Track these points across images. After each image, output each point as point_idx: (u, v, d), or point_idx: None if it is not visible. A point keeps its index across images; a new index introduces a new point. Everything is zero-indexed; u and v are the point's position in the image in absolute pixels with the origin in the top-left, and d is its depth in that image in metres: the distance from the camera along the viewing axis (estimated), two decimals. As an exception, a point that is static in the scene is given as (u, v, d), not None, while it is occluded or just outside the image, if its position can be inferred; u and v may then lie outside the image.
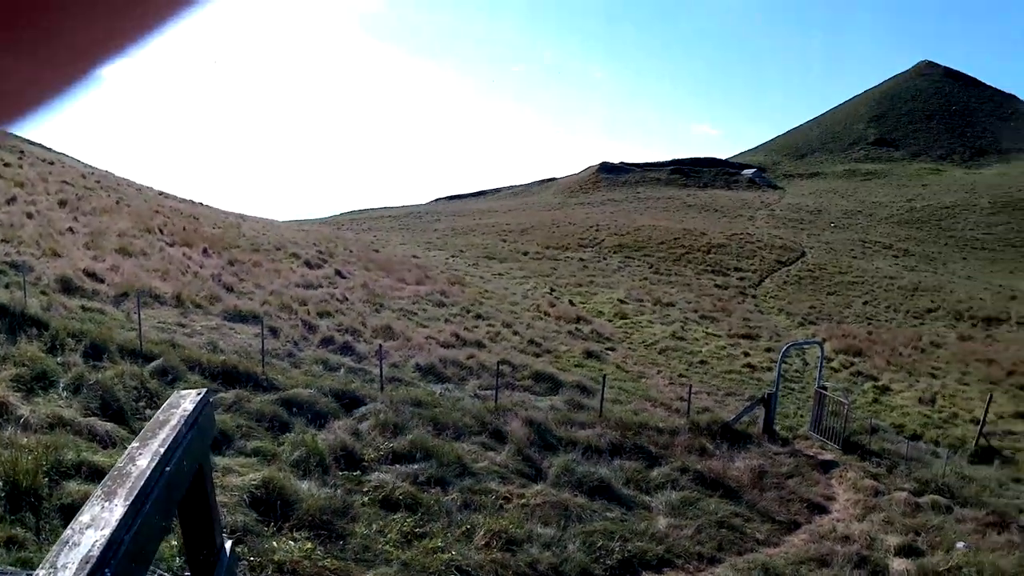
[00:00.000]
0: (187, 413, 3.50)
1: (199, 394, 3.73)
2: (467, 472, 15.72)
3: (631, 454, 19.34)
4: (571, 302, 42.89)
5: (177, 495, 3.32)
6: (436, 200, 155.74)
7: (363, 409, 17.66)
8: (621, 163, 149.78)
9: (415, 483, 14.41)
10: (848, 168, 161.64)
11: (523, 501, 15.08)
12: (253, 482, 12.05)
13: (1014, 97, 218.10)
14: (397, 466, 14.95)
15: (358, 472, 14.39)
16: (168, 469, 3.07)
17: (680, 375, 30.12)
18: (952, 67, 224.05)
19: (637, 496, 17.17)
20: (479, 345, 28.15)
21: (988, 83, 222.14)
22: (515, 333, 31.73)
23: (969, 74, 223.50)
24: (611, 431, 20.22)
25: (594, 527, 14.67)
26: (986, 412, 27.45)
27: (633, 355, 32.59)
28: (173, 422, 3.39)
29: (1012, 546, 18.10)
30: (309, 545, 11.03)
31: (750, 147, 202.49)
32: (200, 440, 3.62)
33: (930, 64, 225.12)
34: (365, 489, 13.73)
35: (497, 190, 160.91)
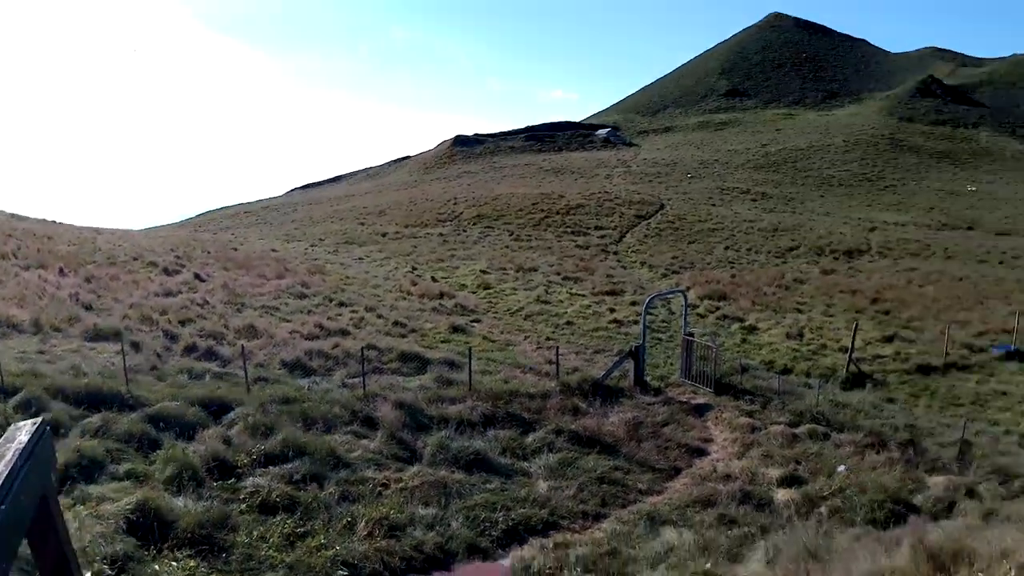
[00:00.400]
0: (22, 446, 3.46)
1: (35, 424, 3.69)
2: (342, 464, 15.77)
3: (505, 423, 19.61)
4: (433, 278, 42.80)
5: (18, 533, 3.30)
6: (292, 190, 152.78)
7: (232, 414, 17.54)
8: (475, 135, 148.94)
9: (291, 483, 14.40)
10: (702, 120, 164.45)
11: (401, 485, 15.19)
12: (128, 507, 11.88)
13: (864, 42, 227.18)
14: (271, 468, 14.90)
15: (233, 480, 14.31)
16: (3, 508, 3.06)
17: (547, 338, 30.36)
18: (802, 17, 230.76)
19: (515, 464, 17.44)
20: (343, 333, 27.96)
21: (838, 30, 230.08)
22: (379, 316, 31.56)
23: (819, 23, 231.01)
24: (482, 403, 20.42)
25: (475, 501, 14.89)
26: (853, 339, 28.46)
27: (499, 324, 32.75)
28: (8, 457, 3.34)
29: (892, 463, 18.91)
30: (192, 563, 10.95)
31: (605, 107, 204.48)
32: (39, 472, 3.58)
33: (779, 15, 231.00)
34: (242, 496, 13.68)
35: (352, 174, 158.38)
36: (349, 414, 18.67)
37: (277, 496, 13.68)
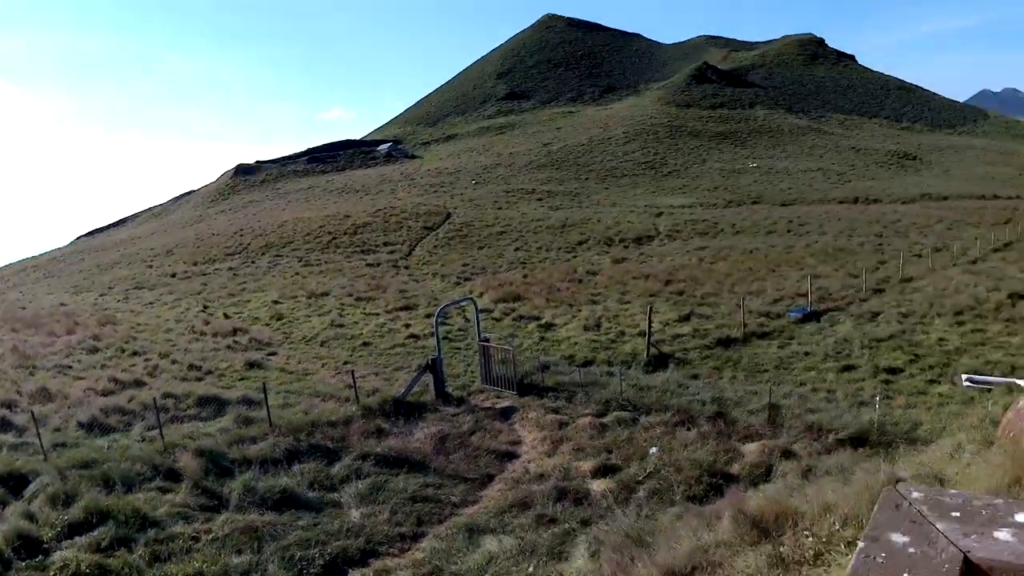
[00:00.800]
0: None
1: None
2: (149, 522, 15.12)
3: (309, 456, 19.16)
4: (226, 315, 41.58)
5: None
6: (78, 238, 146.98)
7: (32, 487, 16.63)
8: (257, 162, 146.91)
9: (99, 551, 13.82)
10: (482, 126, 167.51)
11: (212, 535, 14.75)
12: (-65, 604, 11.38)
13: (638, 35, 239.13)
14: (77, 538, 14.24)
15: (40, 556, 13.67)
16: None
17: (345, 362, 29.90)
18: (575, 16, 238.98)
19: (324, 496, 17.08)
20: (139, 384, 26.82)
21: (611, 26, 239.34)
22: (174, 362, 30.41)
23: (592, 21, 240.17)
24: (284, 438, 19.91)
25: (289, 540, 14.57)
26: (649, 323, 29.01)
27: (296, 354, 32.05)
28: None
29: (704, 437, 19.45)
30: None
31: (386, 121, 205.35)
32: None
33: (553, 16, 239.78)
34: (52, 573, 13.14)
35: (137, 215, 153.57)
36: (151, 469, 17.91)
37: (87, 567, 13.18)
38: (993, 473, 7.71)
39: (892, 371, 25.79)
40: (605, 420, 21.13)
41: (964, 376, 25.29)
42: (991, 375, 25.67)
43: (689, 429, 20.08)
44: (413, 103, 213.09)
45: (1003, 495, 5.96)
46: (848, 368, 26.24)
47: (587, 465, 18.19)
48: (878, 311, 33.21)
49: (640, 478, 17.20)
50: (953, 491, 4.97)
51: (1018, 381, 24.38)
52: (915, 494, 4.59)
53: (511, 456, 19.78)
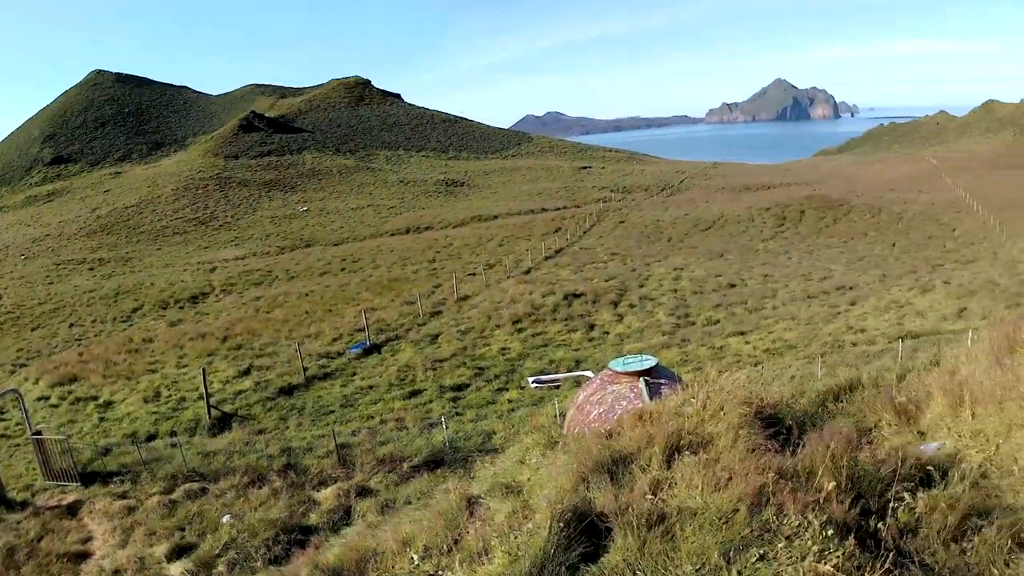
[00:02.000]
0: None
1: None
2: None
3: None
4: None
5: None
6: None
7: None
8: None
9: None
10: (29, 195, 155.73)
11: None
12: None
13: (186, 88, 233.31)
14: None
15: None
16: None
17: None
18: (124, 71, 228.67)
19: None
20: None
21: (160, 80, 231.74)
22: None
23: (140, 75, 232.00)
24: None
25: None
26: (206, 384, 28.03)
27: None
28: None
29: (276, 493, 19.03)
30: None
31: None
32: None
33: (100, 73, 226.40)
34: None
35: None
36: None
37: None
38: (560, 474, 7.89)
39: (459, 388, 26.72)
40: (174, 496, 20.10)
41: (530, 378, 26.61)
42: (556, 372, 27.19)
43: (260, 487, 19.63)
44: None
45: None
46: (415, 393, 26.84)
47: (161, 549, 17.14)
48: (437, 333, 34.31)
49: (217, 551, 16.51)
50: None
51: (583, 373, 26.02)
52: None
53: (84, 556, 18.18)
